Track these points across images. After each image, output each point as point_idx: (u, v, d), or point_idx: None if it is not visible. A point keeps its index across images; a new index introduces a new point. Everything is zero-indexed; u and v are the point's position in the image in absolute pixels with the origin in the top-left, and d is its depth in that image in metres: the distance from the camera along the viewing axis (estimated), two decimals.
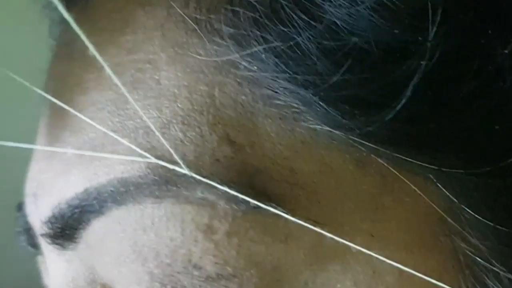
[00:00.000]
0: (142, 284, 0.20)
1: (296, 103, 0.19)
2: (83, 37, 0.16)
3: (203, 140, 0.20)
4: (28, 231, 0.25)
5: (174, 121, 0.20)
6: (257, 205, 0.19)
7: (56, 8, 0.25)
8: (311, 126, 0.20)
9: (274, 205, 0.19)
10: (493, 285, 0.20)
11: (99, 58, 0.19)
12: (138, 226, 0.20)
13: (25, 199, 0.26)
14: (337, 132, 0.19)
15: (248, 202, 0.19)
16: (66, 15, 0.15)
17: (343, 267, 0.20)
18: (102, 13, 0.22)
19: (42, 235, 0.23)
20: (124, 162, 0.20)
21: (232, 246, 0.19)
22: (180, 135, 0.20)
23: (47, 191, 0.23)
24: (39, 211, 0.23)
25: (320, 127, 0.19)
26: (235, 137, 0.20)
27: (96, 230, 0.21)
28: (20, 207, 0.27)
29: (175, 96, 0.20)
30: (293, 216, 0.19)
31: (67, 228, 0.22)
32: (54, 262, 0.24)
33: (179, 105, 0.20)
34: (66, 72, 0.23)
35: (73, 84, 0.22)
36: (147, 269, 0.20)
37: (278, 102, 0.20)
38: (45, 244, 0.23)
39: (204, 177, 0.19)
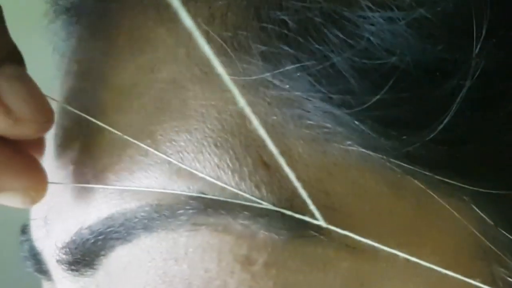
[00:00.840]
0: None
1: (329, 123, 0.19)
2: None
3: (239, 163, 0.19)
4: (35, 256, 0.24)
5: (206, 143, 0.19)
6: (297, 233, 0.18)
7: (63, 24, 0.25)
8: (343, 147, 0.19)
9: (314, 233, 0.18)
10: None
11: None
12: (169, 256, 0.19)
13: (32, 222, 0.24)
14: (371, 153, 0.19)
15: (289, 231, 0.18)
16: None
17: None
18: (119, 30, 0.21)
19: (58, 261, 0.22)
20: (158, 188, 0.19)
21: (269, 276, 0.19)
22: (215, 159, 0.19)
23: (63, 215, 0.22)
24: (52, 236, 0.22)
25: (353, 148, 0.19)
26: (269, 160, 0.19)
27: (120, 258, 0.20)
28: (24, 230, 0.25)
29: (204, 116, 0.19)
30: (329, 241, 0.19)
31: (87, 254, 0.21)
32: None
33: (208, 125, 0.19)
34: (91, 92, 0.22)
35: (100, 106, 0.21)
36: None
37: (310, 122, 0.19)
38: (58, 271, 0.22)
39: (244, 205, 0.18)
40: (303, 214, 0.18)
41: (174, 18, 0.20)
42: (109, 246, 0.20)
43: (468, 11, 0.18)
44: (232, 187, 0.19)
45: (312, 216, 0.18)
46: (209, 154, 0.19)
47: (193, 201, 0.19)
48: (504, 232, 0.19)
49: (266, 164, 0.19)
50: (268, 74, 0.19)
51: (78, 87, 0.22)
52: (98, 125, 0.21)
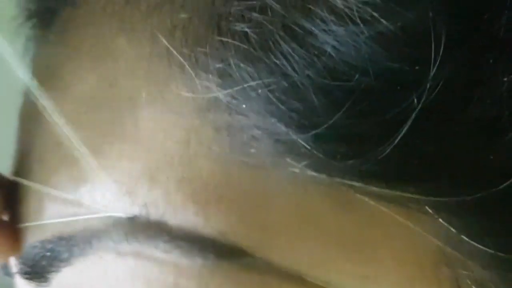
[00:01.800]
0: None
1: (277, 150, 0.18)
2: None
3: (168, 199, 0.19)
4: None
5: (144, 176, 0.19)
6: (224, 257, 0.18)
7: (33, 26, 0.24)
8: (290, 169, 0.18)
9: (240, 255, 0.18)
10: None
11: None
12: (103, 282, 0.19)
13: None
14: (320, 175, 0.18)
15: (214, 255, 0.18)
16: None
17: None
18: (82, 38, 0.21)
19: (17, 272, 0.22)
20: (94, 213, 0.19)
21: None
22: (147, 194, 0.19)
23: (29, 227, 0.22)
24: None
25: (300, 171, 0.18)
26: (201, 194, 0.18)
27: (68, 278, 0.20)
28: None
29: (150, 143, 0.19)
30: (269, 267, 0.18)
31: (38, 268, 0.21)
32: None
33: (152, 155, 0.19)
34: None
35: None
36: None
37: (257, 150, 0.18)
38: (20, 280, 0.22)
39: (167, 233, 0.18)
40: (236, 244, 0.18)
41: (136, 27, 0.20)
42: (56, 265, 0.20)
43: (428, 24, 0.18)
44: (153, 223, 0.19)
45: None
46: (143, 189, 0.19)
47: (116, 228, 0.19)
48: (466, 239, 0.19)
49: (196, 200, 0.18)
50: (224, 92, 0.18)
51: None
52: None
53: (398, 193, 0.18)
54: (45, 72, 0.23)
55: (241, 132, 0.18)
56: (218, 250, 0.18)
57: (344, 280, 0.19)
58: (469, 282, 0.19)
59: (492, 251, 0.19)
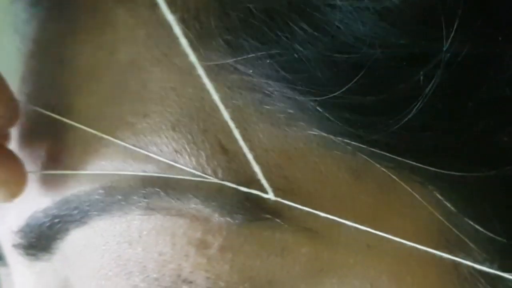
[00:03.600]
0: None
1: (291, 109, 0.19)
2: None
3: (197, 148, 0.19)
4: None
5: (164, 127, 0.19)
6: (253, 217, 0.18)
7: (25, 5, 0.24)
8: (305, 132, 0.19)
9: (270, 217, 0.18)
10: None
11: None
12: (123, 239, 0.19)
13: None
14: (333, 138, 0.19)
15: (244, 215, 0.18)
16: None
17: (340, 281, 0.19)
18: (80, 11, 0.21)
19: (14, 245, 0.21)
20: (112, 170, 0.19)
21: (225, 260, 0.18)
22: (173, 143, 0.19)
23: (18, 199, 0.21)
24: (7, 221, 0.22)
25: (315, 133, 0.19)
26: (227, 144, 0.19)
27: (75, 241, 0.20)
28: None
29: (162, 99, 0.19)
30: (287, 226, 0.18)
31: (43, 238, 0.20)
32: (22, 275, 0.22)
33: (167, 109, 0.19)
34: (51, 74, 0.21)
35: (59, 89, 0.21)
36: (132, 282, 0.19)
37: (271, 107, 0.19)
38: (13, 255, 0.22)
39: (199, 190, 0.18)
40: (260, 202, 0.18)
41: None
42: (64, 229, 0.20)
43: (439, 1, 0.18)
44: (188, 171, 0.18)
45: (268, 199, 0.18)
46: (167, 138, 0.19)
47: (146, 185, 0.19)
48: (467, 220, 0.19)
49: (225, 149, 0.19)
50: (230, 60, 0.19)
51: (39, 69, 0.22)
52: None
53: (407, 161, 0.19)
54: (38, 49, 0.22)
55: (253, 91, 0.19)
56: (245, 210, 0.18)
57: (350, 246, 0.19)
58: (468, 265, 0.19)
59: (492, 235, 0.19)
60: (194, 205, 0.18)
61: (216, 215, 0.18)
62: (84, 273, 0.20)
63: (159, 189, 0.19)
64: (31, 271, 0.22)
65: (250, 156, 0.18)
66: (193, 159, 0.19)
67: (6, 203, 0.21)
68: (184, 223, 0.19)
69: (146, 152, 0.19)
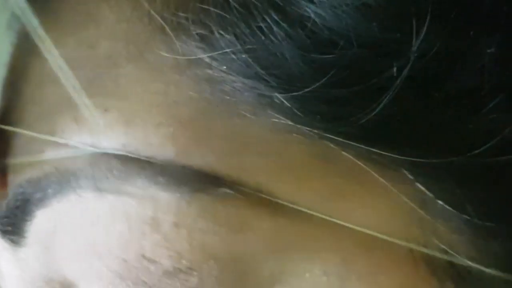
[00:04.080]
0: (104, 279, 0.19)
1: (258, 101, 0.19)
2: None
3: (147, 141, 0.19)
4: None
5: (121, 119, 0.19)
6: (199, 189, 0.18)
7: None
8: (270, 121, 0.19)
9: (224, 190, 0.18)
10: (466, 279, 0.19)
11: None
12: (84, 221, 0.19)
13: None
14: (300, 127, 0.18)
15: (193, 190, 0.18)
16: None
17: (310, 256, 0.18)
18: (66, 5, 0.22)
19: None
20: (68, 152, 0.19)
21: (182, 238, 0.18)
22: (122, 137, 0.19)
23: None
24: None
25: (281, 122, 0.18)
26: (180, 136, 0.19)
27: (43, 224, 0.20)
28: None
29: (128, 94, 0.19)
30: (243, 200, 0.18)
31: (14, 220, 0.21)
32: (8, 262, 0.23)
33: (129, 103, 0.19)
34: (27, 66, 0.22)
35: (32, 78, 0.22)
36: (104, 264, 0.19)
37: (237, 98, 0.19)
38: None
39: (144, 169, 0.18)
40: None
41: None
42: (29, 211, 0.20)
43: None
44: (133, 162, 0.19)
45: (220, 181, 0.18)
46: (119, 132, 0.19)
47: (94, 166, 0.19)
48: (441, 202, 0.19)
49: (175, 141, 0.19)
50: (204, 55, 0.19)
51: (23, 61, 0.23)
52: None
53: (376, 150, 0.18)
54: (22, 41, 0.23)
55: (222, 84, 0.19)
56: (194, 184, 0.18)
57: (320, 224, 0.18)
58: (440, 247, 0.19)
59: (466, 217, 0.19)
60: (140, 184, 0.19)
61: (163, 191, 0.18)
62: (63, 256, 0.20)
63: (106, 170, 0.19)
64: (16, 258, 0.22)
65: None
66: (140, 150, 0.19)
67: None
68: (134, 203, 0.19)
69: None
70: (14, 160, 0.21)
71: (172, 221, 0.18)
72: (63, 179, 0.19)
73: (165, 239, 0.18)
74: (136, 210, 0.19)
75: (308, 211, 0.18)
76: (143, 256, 0.19)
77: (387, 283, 0.18)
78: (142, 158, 0.19)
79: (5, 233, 0.21)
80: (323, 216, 0.18)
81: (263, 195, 0.18)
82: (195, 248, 0.18)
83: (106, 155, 0.19)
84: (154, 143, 0.19)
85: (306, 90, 0.18)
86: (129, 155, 0.19)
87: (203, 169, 0.18)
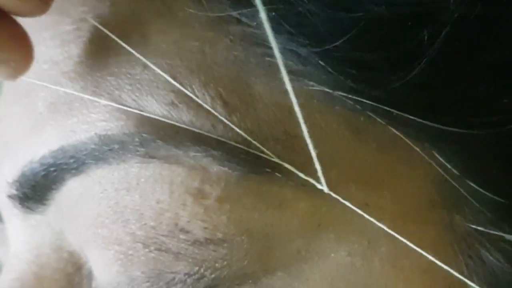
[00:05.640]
0: (123, 245, 0.19)
1: (292, 62, 0.18)
2: None
3: (195, 102, 0.18)
4: None
5: (163, 79, 0.19)
6: (252, 169, 0.18)
7: None
8: (306, 87, 0.18)
9: (270, 171, 0.18)
10: (490, 258, 0.19)
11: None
12: (121, 186, 0.19)
13: None
14: (335, 93, 0.18)
15: (243, 167, 0.18)
16: None
17: (337, 236, 0.19)
18: None
19: (9, 197, 0.21)
20: (107, 119, 0.19)
21: (223, 211, 0.18)
22: (171, 95, 0.18)
23: (13, 149, 0.21)
24: (2, 171, 0.21)
25: (316, 88, 0.18)
26: (228, 97, 0.18)
27: (71, 191, 0.20)
28: None
29: (163, 52, 0.19)
30: (288, 181, 0.18)
31: (38, 188, 0.20)
32: (16, 228, 0.22)
33: (167, 61, 0.19)
34: None
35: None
36: (129, 230, 0.19)
37: (272, 60, 0.18)
38: (8, 209, 0.21)
39: (199, 140, 0.18)
40: (260, 156, 0.18)
41: None
42: (60, 178, 0.20)
43: None
44: (187, 122, 0.18)
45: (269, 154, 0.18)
46: (165, 90, 0.19)
47: (144, 133, 0.18)
48: (467, 181, 0.19)
49: (225, 102, 0.18)
50: (233, 12, 0.18)
51: None
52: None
53: (408, 117, 0.18)
54: None
55: (255, 44, 0.19)
56: (246, 162, 0.18)
57: (349, 198, 0.19)
58: (465, 225, 0.19)
59: (490, 195, 0.19)
60: (193, 153, 0.18)
61: (215, 165, 0.18)
62: (81, 222, 0.20)
63: (156, 136, 0.18)
64: (26, 224, 0.21)
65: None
66: (191, 112, 0.18)
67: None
68: (182, 172, 0.18)
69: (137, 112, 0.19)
70: None
71: (218, 195, 0.18)
72: (105, 146, 0.19)
73: (205, 211, 0.18)
74: (182, 180, 0.18)
75: (342, 201, 0.18)
76: (176, 225, 0.18)
77: (410, 268, 0.19)
78: (196, 130, 0.18)
79: (25, 199, 0.20)
80: (356, 209, 0.18)
81: (303, 177, 0.18)
82: (232, 222, 0.18)
83: (157, 121, 0.18)
84: (205, 103, 0.18)
85: (333, 45, 0.18)
86: (182, 126, 0.18)
87: (253, 135, 0.18)
